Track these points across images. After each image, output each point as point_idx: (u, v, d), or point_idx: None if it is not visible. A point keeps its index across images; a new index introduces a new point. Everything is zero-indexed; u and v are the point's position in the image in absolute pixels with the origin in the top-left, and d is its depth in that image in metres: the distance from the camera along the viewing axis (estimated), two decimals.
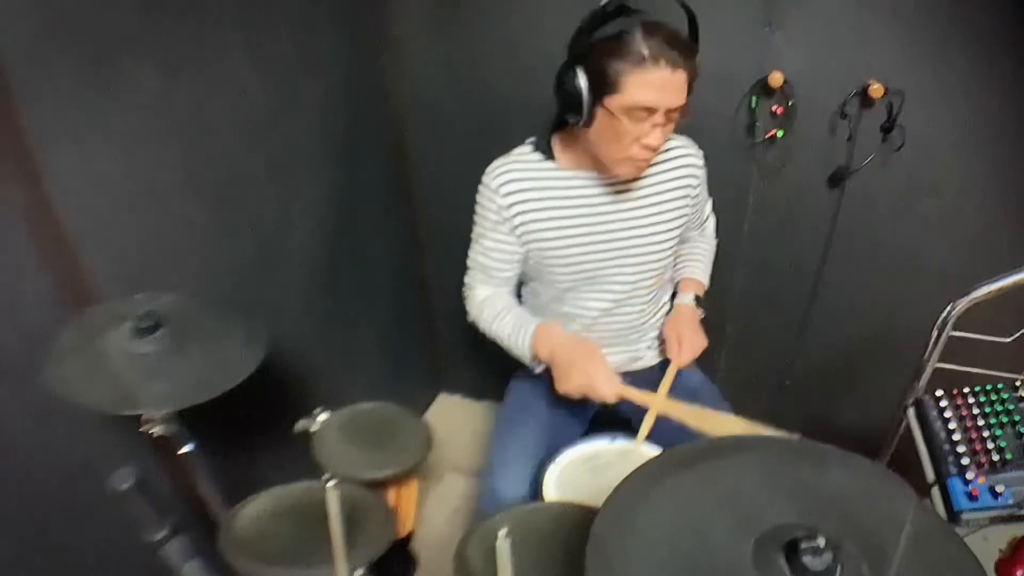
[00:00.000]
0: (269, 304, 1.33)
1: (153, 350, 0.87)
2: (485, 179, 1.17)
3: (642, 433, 1.14)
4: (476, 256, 1.25)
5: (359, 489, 1.02)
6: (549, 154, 1.16)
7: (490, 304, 1.25)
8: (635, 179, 1.17)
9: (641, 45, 0.95)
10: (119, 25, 0.94)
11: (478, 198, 1.20)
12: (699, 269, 1.38)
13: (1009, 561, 1.13)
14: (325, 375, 1.52)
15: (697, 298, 1.33)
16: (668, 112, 1.00)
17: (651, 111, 0.99)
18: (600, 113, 1.02)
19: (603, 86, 0.99)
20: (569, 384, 1.10)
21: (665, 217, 1.21)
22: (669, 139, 1.20)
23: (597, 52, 0.99)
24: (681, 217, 1.23)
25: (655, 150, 1.05)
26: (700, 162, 1.23)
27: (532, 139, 1.19)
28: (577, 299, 1.26)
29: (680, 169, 1.21)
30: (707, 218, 1.40)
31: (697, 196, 1.26)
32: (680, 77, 0.98)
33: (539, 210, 1.16)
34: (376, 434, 1.20)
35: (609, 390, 1.08)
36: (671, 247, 1.25)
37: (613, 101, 1.00)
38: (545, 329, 1.18)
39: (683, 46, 0.97)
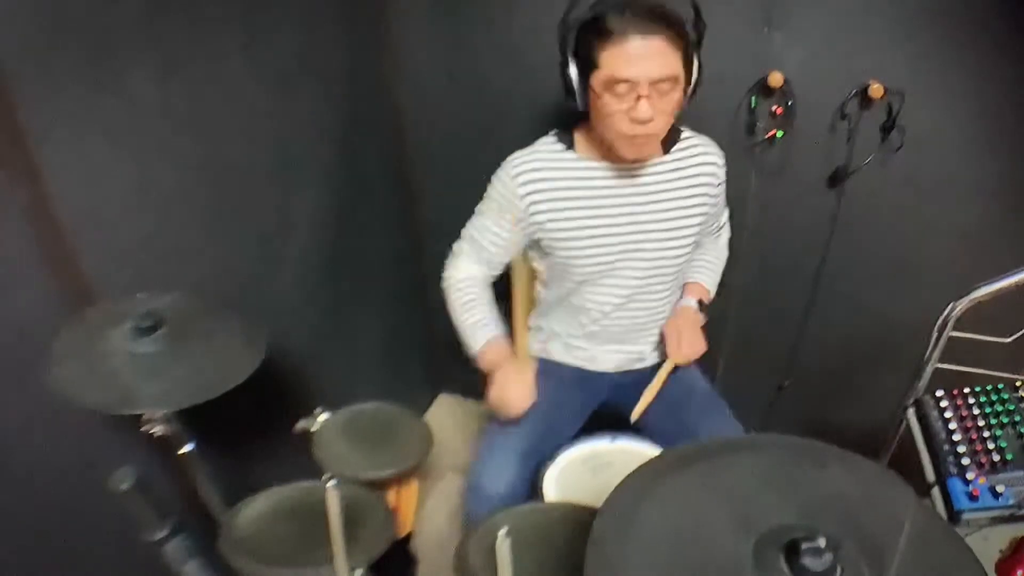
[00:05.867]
0: (269, 304, 1.33)
1: (153, 350, 0.87)
2: (505, 166, 1.18)
3: (638, 409, 1.20)
4: (471, 229, 1.27)
5: (359, 489, 1.02)
6: (571, 144, 1.17)
7: (466, 288, 1.28)
8: (654, 172, 1.18)
9: (612, 20, 0.98)
10: (119, 25, 0.94)
11: (493, 180, 1.21)
12: (706, 276, 1.38)
13: (1009, 561, 1.13)
14: (325, 375, 1.52)
15: (700, 303, 1.33)
16: (654, 84, 1.00)
17: (632, 83, 1.00)
18: (591, 93, 1.05)
19: (585, 66, 1.03)
20: (492, 396, 1.20)
21: (683, 213, 1.21)
22: (690, 137, 1.21)
23: (579, 34, 1.03)
24: (700, 215, 1.23)
25: (645, 123, 1.03)
26: (720, 162, 1.23)
27: (556, 130, 1.20)
28: (591, 292, 1.25)
29: (700, 167, 1.21)
30: (722, 226, 1.40)
31: (716, 196, 1.26)
32: (656, 44, 0.98)
33: (556, 200, 1.17)
34: (376, 434, 1.20)
35: (517, 402, 1.18)
36: (688, 244, 1.24)
37: (595, 79, 1.02)
38: (495, 344, 1.24)
39: (659, 15, 0.98)
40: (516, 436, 1.22)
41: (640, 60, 0.98)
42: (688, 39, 1.02)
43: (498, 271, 1.30)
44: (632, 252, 1.21)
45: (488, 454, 1.21)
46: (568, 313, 1.29)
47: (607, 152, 1.15)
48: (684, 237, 1.23)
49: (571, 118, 1.18)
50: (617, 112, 1.03)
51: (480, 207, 1.25)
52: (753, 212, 1.54)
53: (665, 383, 1.25)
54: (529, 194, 1.16)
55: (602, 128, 1.09)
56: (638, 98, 1.01)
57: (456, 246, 1.31)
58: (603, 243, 1.19)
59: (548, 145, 1.19)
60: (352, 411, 1.23)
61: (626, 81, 1.00)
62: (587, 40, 1.01)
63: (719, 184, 1.24)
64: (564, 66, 1.06)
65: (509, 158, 1.19)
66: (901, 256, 1.52)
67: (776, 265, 1.62)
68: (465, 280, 1.29)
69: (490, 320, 1.26)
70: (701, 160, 1.21)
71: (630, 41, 0.97)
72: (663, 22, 0.99)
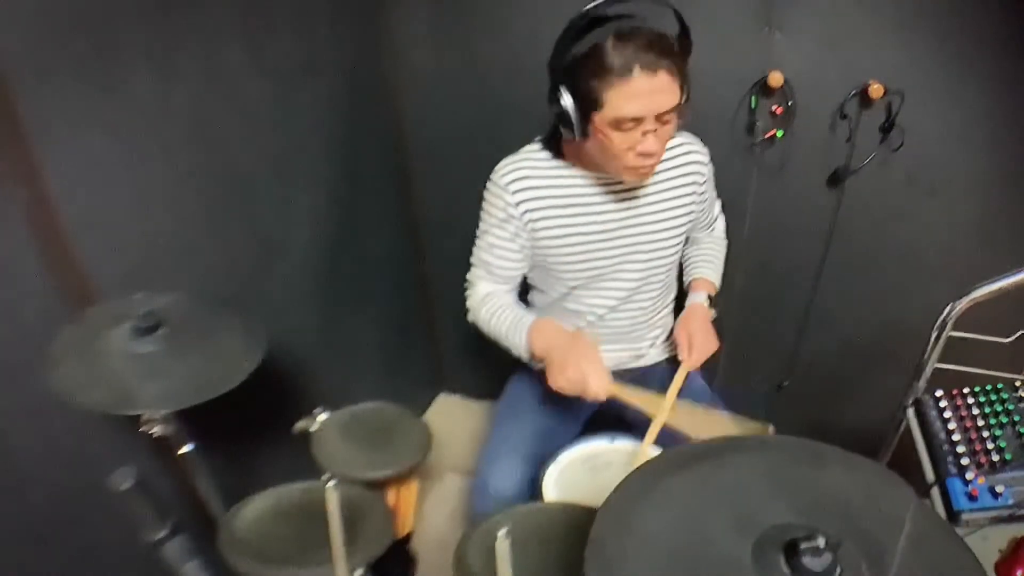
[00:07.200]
0: (269, 304, 1.33)
1: (153, 350, 0.87)
2: (494, 176, 1.17)
3: (649, 437, 1.14)
4: (480, 253, 1.25)
5: (359, 489, 1.02)
6: (557, 153, 1.16)
7: (489, 301, 1.24)
8: None
9: (613, 57, 0.93)
10: (119, 24, 0.94)
11: (486, 195, 1.20)
12: (710, 270, 1.37)
13: (1009, 561, 1.13)
14: (325, 375, 1.52)
15: (709, 298, 1.33)
16: (658, 117, 0.98)
17: (638, 120, 0.98)
18: (592, 128, 1.02)
19: (587, 104, 0.99)
20: (561, 379, 1.07)
21: (672, 215, 1.21)
22: (674, 137, 1.20)
23: (575, 70, 0.98)
24: (688, 214, 1.23)
25: (652, 155, 1.03)
26: (706, 159, 1.23)
27: (541, 137, 1.19)
28: (584, 296, 1.26)
29: (686, 167, 1.21)
30: (716, 218, 1.40)
31: (704, 194, 1.26)
32: (661, 80, 0.95)
33: (547, 208, 1.16)
34: (376, 434, 1.20)
35: (600, 388, 1.05)
36: (677, 244, 1.25)
37: (598, 117, 0.99)
38: (541, 324, 1.17)
39: (661, 48, 0.94)
40: (521, 437, 1.22)
41: (646, 97, 0.95)
42: (686, 64, 0.99)
43: (516, 284, 1.28)
44: (625, 258, 1.21)
45: (495, 455, 1.21)
46: (562, 317, 1.28)
47: (593, 164, 1.14)
48: (674, 237, 1.23)
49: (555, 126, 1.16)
50: (621, 147, 1.01)
51: (481, 227, 1.23)
52: (753, 212, 1.54)
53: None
54: (523, 201, 1.15)
55: (603, 159, 1.07)
56: (644, 133, 0.99)
57: (470, 275, 1.28)
58: (595, 252, 1.19)
59: (534, 153, 1.17)
60: (352, 411, 1.23)
61: (633, 119, 0.97)
62: (587, 77, 0.96)
63: (705, 181, 1.24)
64: (556, 100, 1.01)
65: (496, 167, 1.17)
66: (900, 256, 1.52)
67: (776, 265, 1.62)
68: (486, 296, 1.25)
69: (524, 314, 1.21)
70: (686, 160, 1.21)
71: (636, 79, 0.93)
72: (666, 54, 0.95)
